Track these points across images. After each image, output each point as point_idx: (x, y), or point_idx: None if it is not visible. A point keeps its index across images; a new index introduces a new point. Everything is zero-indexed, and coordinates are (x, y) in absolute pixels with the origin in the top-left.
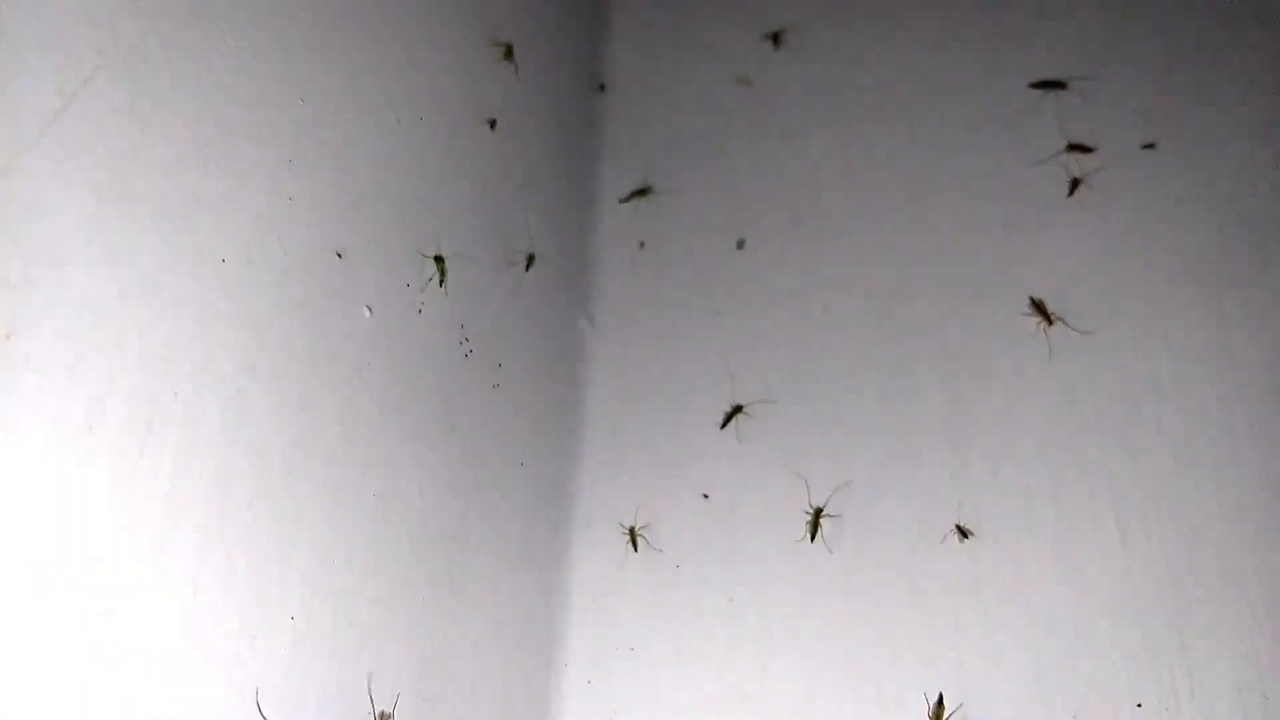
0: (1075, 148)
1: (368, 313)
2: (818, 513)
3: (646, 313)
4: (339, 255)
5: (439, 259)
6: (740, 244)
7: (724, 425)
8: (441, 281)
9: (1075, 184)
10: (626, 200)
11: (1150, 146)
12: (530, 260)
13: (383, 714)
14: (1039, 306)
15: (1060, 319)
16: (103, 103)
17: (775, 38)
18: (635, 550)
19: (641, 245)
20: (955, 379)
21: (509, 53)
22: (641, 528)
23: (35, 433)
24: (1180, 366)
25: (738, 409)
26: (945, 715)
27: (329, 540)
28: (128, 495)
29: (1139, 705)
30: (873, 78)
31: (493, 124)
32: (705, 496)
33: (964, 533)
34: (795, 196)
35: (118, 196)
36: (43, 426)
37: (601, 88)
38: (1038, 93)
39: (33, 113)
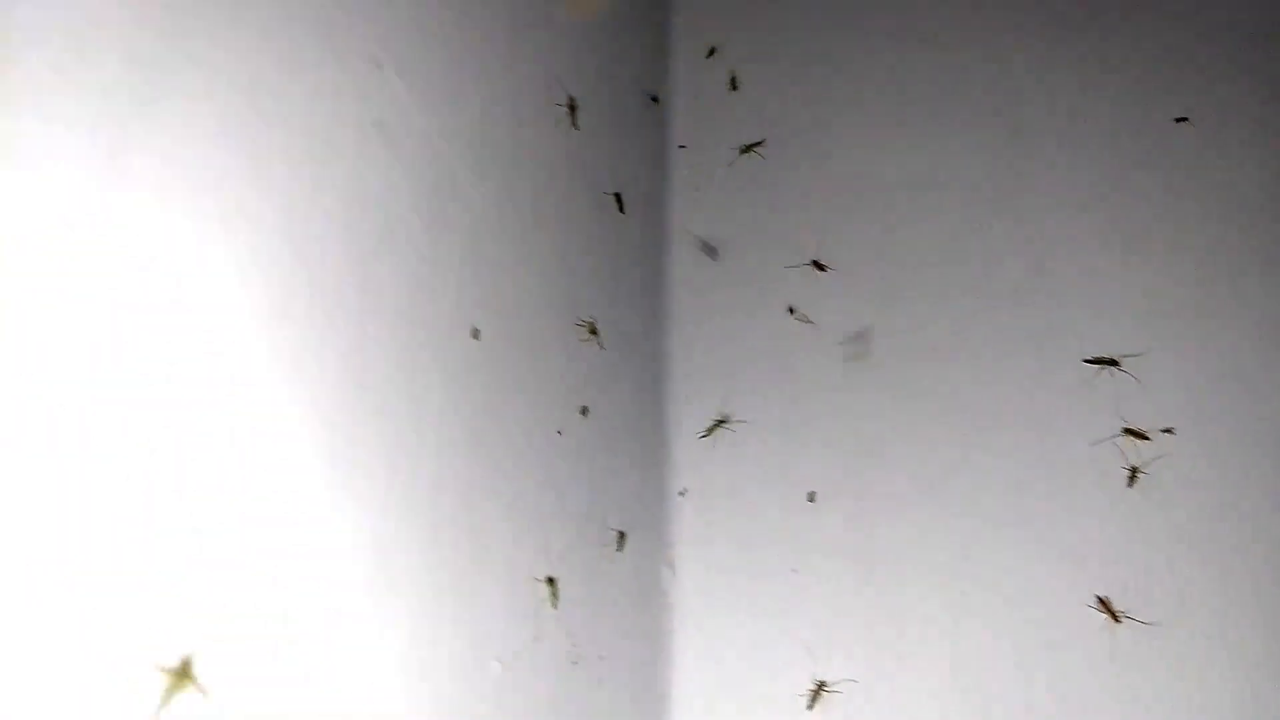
0: (1131, 433)
1: (498, 667)
2: None
3: (726, 564)
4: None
5: (551, 580)
6: (811, 497)
7: (810, 706)
8: (554, 604)
9: (1134, 472)
10: (707, 435)
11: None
12: (622, 538)
13: None
14: (1105, 605)
15: (1128, 616)
16: None
17: (819, 266)
18: None
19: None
20: (1030, 677)
21: (593, 330)
22: None
23: None
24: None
25: (822, 686)
26: None
27: None
28: None
29: None
30: (924, 330)
31: (584, 410)
32: None
33: None
34: (857, 451)
35: None
36: None
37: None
38: (1093, 368)
39: None
